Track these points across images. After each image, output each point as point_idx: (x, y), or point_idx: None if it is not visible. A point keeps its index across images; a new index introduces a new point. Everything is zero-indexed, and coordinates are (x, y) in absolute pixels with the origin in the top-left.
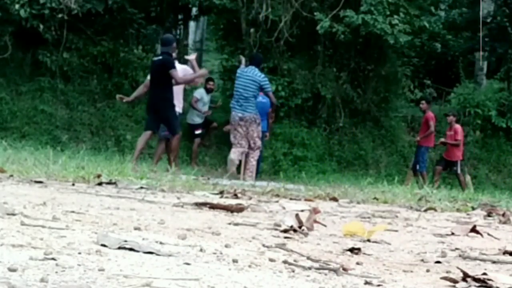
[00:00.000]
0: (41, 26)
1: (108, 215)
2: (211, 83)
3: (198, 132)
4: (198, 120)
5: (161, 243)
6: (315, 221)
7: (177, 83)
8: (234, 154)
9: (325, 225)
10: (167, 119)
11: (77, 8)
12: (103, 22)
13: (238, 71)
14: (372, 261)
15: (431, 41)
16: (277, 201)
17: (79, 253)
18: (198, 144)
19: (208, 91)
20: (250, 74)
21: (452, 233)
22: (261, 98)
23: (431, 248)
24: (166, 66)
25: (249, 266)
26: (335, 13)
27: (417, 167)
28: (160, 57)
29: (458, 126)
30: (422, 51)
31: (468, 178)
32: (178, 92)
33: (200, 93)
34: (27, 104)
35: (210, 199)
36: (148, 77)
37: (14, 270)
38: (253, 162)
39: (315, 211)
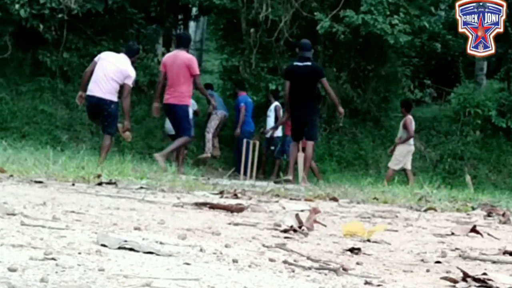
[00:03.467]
0: (41, 26)
1: (108, 215)
2: None
3: None
4: None
5: (161, 243)
6: (315, 221)
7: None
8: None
9: (325, 225)
10: (310, 125)
11: (77, 8)
12: (103, 22)
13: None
14: (372, 261)
15: (431, 41)
16: (277, 201)
17: (79, 253)
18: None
19: None
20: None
21: (452, 233)
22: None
23: (431, 248)
24: (319, 73)
25: (249, 266)
26: (335, 13)
27: (283, 155)
28: (309, 63)
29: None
30: (422, 51)
31: (468, 178)
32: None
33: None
34: (27, 104)
35: (210, 199)
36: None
37: (14, 270)
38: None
39: (315, 211)
